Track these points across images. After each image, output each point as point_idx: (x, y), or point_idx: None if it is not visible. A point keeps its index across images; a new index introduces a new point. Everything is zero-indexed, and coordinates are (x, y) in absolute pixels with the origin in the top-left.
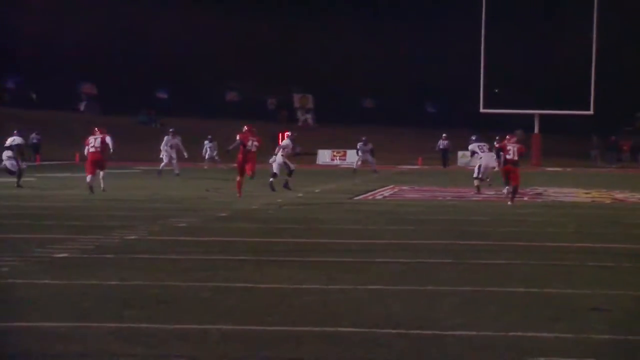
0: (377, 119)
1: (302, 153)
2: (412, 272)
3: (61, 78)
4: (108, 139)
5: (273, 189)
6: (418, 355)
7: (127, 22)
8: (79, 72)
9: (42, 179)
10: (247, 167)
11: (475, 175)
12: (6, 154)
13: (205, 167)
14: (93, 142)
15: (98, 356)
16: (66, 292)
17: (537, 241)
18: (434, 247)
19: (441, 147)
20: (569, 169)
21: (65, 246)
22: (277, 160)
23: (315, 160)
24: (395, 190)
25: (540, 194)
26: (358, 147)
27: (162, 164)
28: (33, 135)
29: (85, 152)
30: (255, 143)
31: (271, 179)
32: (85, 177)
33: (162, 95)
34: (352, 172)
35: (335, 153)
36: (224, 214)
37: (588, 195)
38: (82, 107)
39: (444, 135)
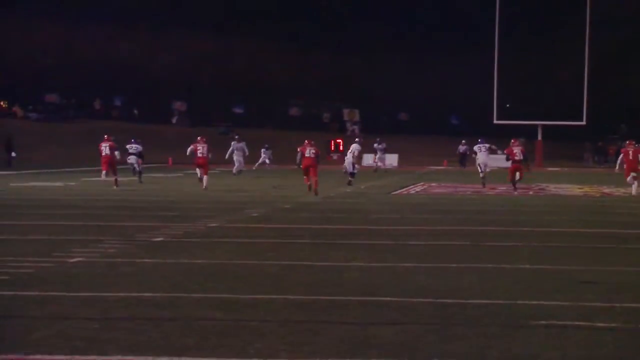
0: (410, 129)
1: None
2: (438, 252)
3: (157, 97)
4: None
5: (350, 184)
6: (444, 318)
7: (210, 52)
8: (172, 92)
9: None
10: (311, 171)
11: (480, 171)
12: (130, 158)
13: (254, 168)
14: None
15: (186, 320)
16: (160, 269)
17: (540, 227)
18: (457, 232)
19: (460, 151)
20: (566, 169)
21: (160, 232)
22: (348, 160)
23: (361, 163)
24: (425, 186)
25: (542, 189)
26: (375, 147)
27: (236, 166)
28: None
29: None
30: (313, 151)
31: (349, 177)
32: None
33: (239, 110)
34: (373, 171)
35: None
36: (288, 206)
37: (581, 190)
38: (174, 120)
39: (462, 141)
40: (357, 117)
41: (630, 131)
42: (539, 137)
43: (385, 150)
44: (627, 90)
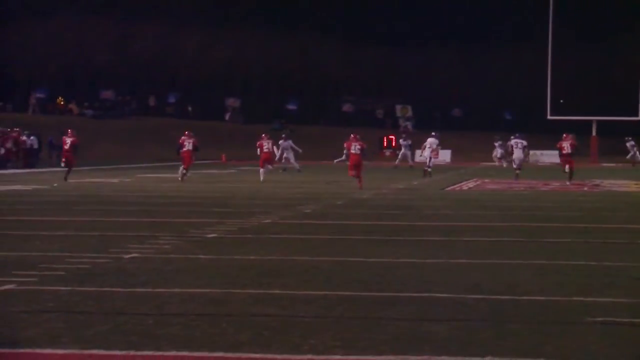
0: (465, 126)
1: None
2: (492, 248)
3: (211, 94)
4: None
5: (426, 176)
6: (497, 315)
7: (263, 49)
8: (225, 89)
9: (197, 175)
10: (357, 166)
11: (514, 166)
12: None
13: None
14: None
15: (240, 316)
16: (215, 265)
17: (595, 223)
18: (510, 228)
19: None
20: (621, 165)
21: (214, 228)
22: (426, 155)
23: (414, 158)
24: (478, 182)
25: (597, 185)
26: (401, 142)
27: (291, 163)
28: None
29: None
30: (358, 146)
31: (426, 169)
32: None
33: (292, 106)
34: (393, 168)
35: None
36: (340, 202)
37: (637, 186)
38: (227, 117)
39: (496, 137)
40: (409, 113)
41: None
42: (594, 133)
43: (411, 147)
44: None
